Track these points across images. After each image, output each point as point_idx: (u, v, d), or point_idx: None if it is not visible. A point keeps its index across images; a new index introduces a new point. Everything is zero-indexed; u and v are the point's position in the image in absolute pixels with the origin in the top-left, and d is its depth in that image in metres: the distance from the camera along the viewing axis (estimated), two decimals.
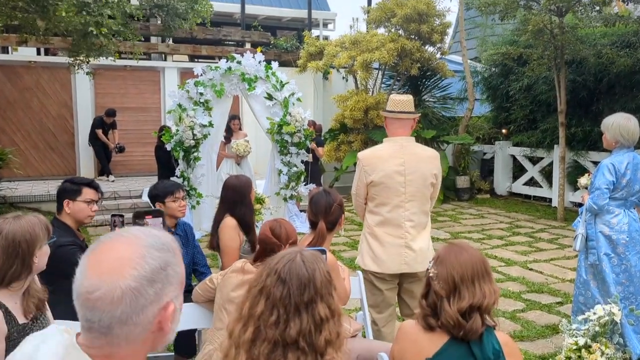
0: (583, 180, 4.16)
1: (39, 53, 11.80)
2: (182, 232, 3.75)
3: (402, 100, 3.42)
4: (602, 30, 9.52)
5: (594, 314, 3.06)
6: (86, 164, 11.07)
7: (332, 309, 1.51)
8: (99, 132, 10.35)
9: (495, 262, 6.69)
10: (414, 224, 3.39)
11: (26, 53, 11.24)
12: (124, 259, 1.01)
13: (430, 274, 1.99)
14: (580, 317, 3.10)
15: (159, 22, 8.56)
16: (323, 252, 2.18)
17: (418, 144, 3.51)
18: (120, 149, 10.54)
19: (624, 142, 3.79)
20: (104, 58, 8.73)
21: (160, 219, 1.56)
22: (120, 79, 11.36)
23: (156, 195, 3.58)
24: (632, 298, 3.80)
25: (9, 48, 11.37)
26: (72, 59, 8.43)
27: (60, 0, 6.40)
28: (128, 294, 0.99)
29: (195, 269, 3.84)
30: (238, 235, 3.68)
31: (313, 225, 2.94)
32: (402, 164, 3.35)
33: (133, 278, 1.00)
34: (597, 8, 8.61)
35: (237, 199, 3.72)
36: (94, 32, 7.02)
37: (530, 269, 6.39)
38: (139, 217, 1.54)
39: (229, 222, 3.66)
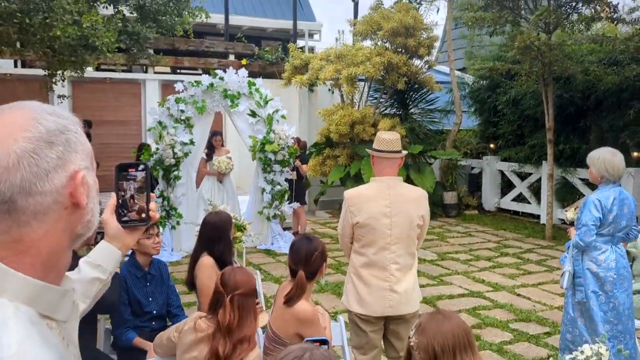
0: (569, 215, 4.15)
1: (15, 65, 11.61)
2: (157, 272, 3.67)
3: (390, 140, 3.40)
4: (589, 47, 9.61)
5: (582, 352, 3.03)
6: None
7: None
8: None
9: (483, 286, 6.67)
10: (400, 267, 3.36)
11: (1, 65, 11.06)
12: (14, 125, 0.92)
13: (411, 343, 1.94)
14: (567, 357, 3.06)
15: (126, 48, 8.40)
16: (325, 342, 2.12)
17: (405, 184, 3.48)
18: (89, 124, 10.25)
19: (610, 177, 3.78)
20: (81, 71, 8.59)
21: (144, 173, 1.44)
22: (99, 91, 11.24)
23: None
24: (621, 337, 3.79)
25: None
26: (49, 72, 8.28)
27: (55, 21, 6.27)
28: (25, 157, 0.90)
29: (169, 310, 3.75)
30: (216, 274, 3.61)
31: (293, 273, 2.89)
32: (389, 205, 3.31)
33: (27, 140, 0.91)
34: (584, 25, 8.68)
35: (215, 237, 3.66)
36: (95, 44, 6.86)
37: (518, 295, 6.38)
38: (122, 169, 1.43)
39: (206, 262, 3.59)
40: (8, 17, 6.14)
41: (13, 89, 10.57)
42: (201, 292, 3.59)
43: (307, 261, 2.83)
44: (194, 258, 3.71)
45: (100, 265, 1.40)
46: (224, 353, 2.43)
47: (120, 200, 1.34)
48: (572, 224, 4.13)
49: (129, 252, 3.52)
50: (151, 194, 1.41)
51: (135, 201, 1.36)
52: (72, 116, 1.02)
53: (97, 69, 11.16)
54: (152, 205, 1.39)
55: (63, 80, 7.85)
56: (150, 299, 3.62)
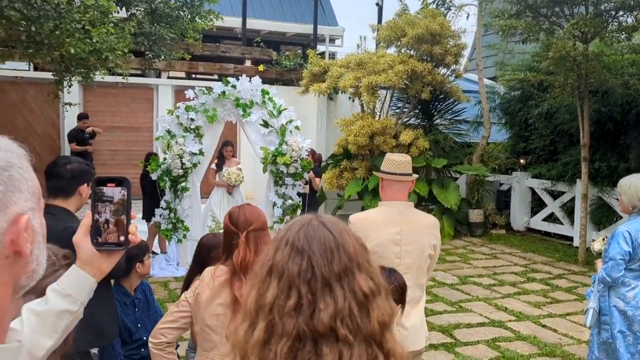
0: (596, 246, 3.98)
1: (29, 68, 11.84)
2: (142, 295, 3.63)
3: (401, 162, 3.30)
4: (630, 58, 9.35)
5: None
6: None
7: (377, 282, 1.14)
8: (73, 145, 10.23)
9: (505, 315, 6.48)
10: (408, 299, 3.23)
11: (13, 67, 11.27)
12: None
13: None
14: None
15: (144, 50, 8.47)
16: None
17: (417, 210, 3.37)
18: (92, 136, 10.35)
19: None
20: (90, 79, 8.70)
21: (121, 189, 1.34)
22: (111, 96, 11.37)
23: (136, 255, 3.49)
24: None
25: None
26: (56, 78, 8.39)
27: (67, 31, 6.34)
28: None
29: None
30: None
31: None
32: (399, 232, 3.21)
33: None
34: (625, 35, 8.46)
35: (210, 261, 3.59)
36: (108, 57, 6.94)
37: (544, 326, 6.17)
38: (100, 183, 1.34)
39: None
40: (13, 24, 6.23)
41: (23, 93, 10.78)
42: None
43: None
44: (188, 280, 3.65)
45: (70, 295, 1.32)
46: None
47: (95, 222, 1.28)
48: (599, 255, 3.96)
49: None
50: (132, 214, 1.34)
51: (110, 225, 1.29)
52: (18, 148, 0.94)
53: (110, 73, 11.31)
54: (132, 227, 1.31)
55: (70, 87, 7.93)
56: (139, 325, 3.58)
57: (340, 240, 1.14)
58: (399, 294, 2.71)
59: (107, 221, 1.28)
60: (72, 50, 6.32)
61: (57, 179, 2.69)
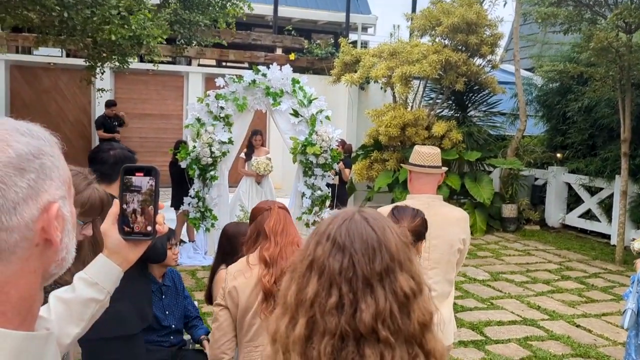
0: (636, 245, 3.88)
1: (61, 54, 12.08)
2: (171, 282, 3.67)
3: (430, 154, 3.27)
4: None
5: None
6: None
7: (418, 281, 1.15)
8: (100, 132, 10.37)
9: (538, 314, 6.38)
10: (437, 294, 3.21)
11: (46, 53, 11.52)
12: None
13: None
14: None
15: (179, 38, 8.56)
16: None
17: (445, 203, 3.34)
18: (120, 123, 10.47)
19: None
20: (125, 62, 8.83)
21: (149, 179, 1.35)
22: (141, 83, 11.53)
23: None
24: None
25: (31, 48, 11.67)
26: (89, 64, 8.54)
27: (106, 24, 6.45)
28: None
29: (186, 322, 3.74)
30: None
31: None
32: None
33: None
34: None
35: (230, 251, 3.60)
36: (146, 42, 7.04)
37: (578, 326, 6.06)
38: (128, 172, 1.35)
39: (223, 276, 3.55)
40: (48, 10, 6.35)
41: (56, 79, 11.00)
42: None
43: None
44: (213, 270, 3.69)
45: (97, 283, 1.34)
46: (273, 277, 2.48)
47: (123, 211, 1.29)
48: (639, 254, 3.86)
49: None
50: (160, 204, 1.35)
51: (138, 215, 1.30)
52: (49, 135, 0.95)
53: (141, 60, 11.47)
54: (160, 217, 1.33)
55: (102, 73, 8.06)
56: (167, 312, 3.62)
57: (382, 239, 1.13)
58: (425, 228, 2.81)
59: (134, 211, 1.29)
60: (113, 37, 6.42)
61: (100, 164, 2.75)
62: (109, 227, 1.30)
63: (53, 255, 0.91)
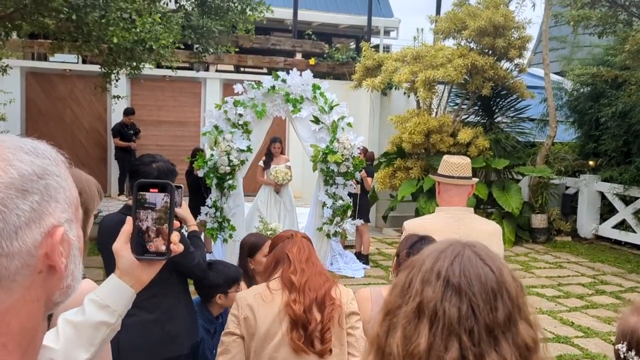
0: None
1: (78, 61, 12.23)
2: (222, 319, 3.56)
3: (460, 164, 3.19)
4: None
5: None
6: (117, 182, 11.33)
7: (535, 330, 1.03)
8: (116, 140, 10.48)
9: (572, 330, 6.24)
10: None
11: (62, 60, 11.67)
12: None
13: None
14: None
15: (193, 44, 8.60)
16: None
17: (477, 216, 3.26)
18: (136, 132, 10.59)
19: None
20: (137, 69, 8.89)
21: (164, 196, 1.31)
22: (158, 89, 11.60)
23: (218, 285, 3.29)
24: None
25: (46, 55, 11.83)
26: (104, 70, 8.61)
27: (112, 20, 6.50)
28: None
29: None
30: None
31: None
32: None
33: None
34: None
35: (250, 261, 3.56)
36: (152, 46, 7.08)
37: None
38: (142, 188, 1.31)
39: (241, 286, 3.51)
40: (58, 12, 6.38)
41: (72, 86, 11.13)
42: None
43: None
44: None
45: (108, 306, 1.30)
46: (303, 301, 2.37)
47: (136, 229, 1.26)
48: None
49: (196, 299, 3.39)
50: (175, 222, 1.31)
51: (152, 234, 1.27)
52: (56, 154, 0.91)
53: (158, 66, 11.56)
54: (175, 236, 1.28)
55: (117, 80, 8.10)
56: (215, 352, 3.48)
57: (501, 280, 1.02)
58: None
59: (148, 229, 1.26)
60: (115, 40, 6.45)
61: (143, 177, 2.68)
62: (121, 246, 1.27)
63: (57, 283, 0.88)
